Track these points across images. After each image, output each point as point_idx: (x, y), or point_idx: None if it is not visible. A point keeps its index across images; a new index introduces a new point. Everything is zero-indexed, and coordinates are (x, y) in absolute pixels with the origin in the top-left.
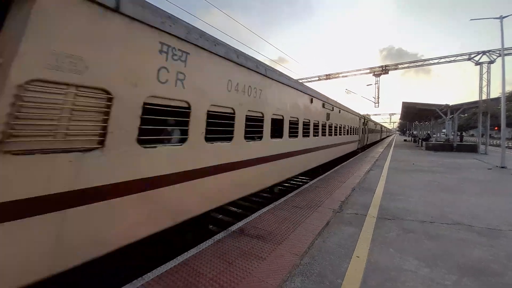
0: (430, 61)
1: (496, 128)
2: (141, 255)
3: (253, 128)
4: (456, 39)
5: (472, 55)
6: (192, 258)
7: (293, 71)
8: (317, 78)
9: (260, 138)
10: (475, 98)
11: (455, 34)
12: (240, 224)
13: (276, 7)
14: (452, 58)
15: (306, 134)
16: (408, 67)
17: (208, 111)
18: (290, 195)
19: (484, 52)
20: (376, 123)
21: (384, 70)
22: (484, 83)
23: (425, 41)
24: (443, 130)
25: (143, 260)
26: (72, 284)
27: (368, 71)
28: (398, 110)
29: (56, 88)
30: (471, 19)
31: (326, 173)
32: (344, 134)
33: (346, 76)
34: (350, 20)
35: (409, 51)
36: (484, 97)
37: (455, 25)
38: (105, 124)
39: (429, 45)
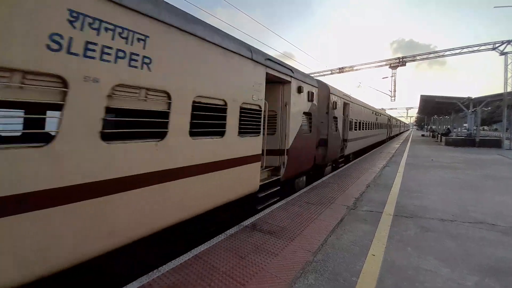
0: (452, 51)
1: None
2: (156, 249)
3: (359, 126)
4: (470, 29)
5: (497, 45)
6: (206, 252)
7: (303, 64)
8: (330, 72)
9: (359, 128)
10: (493, 91)
11: (468, 24)
12: (252, 219)
13: (279, 5)
14: (476, 48)
15: (369, 128)
16: (427, 58)
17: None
18: (302, 190)
19: (509, 42)
20: (396, 120)
21: (401, 61)
22: (509, 74)
23: (436, 32)
24: (465, 125)
25: (158, 254)
26: (92, 276)
27: (384, 63)
28: (415, 104)
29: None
30: (494, 7)
31: (339, 169)
32: (381, 128)
33: (359, 69)
34: (357, 14)
35: (420, 42)
36: (509, 89)
37: (467, 15)
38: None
39: (441, 36)
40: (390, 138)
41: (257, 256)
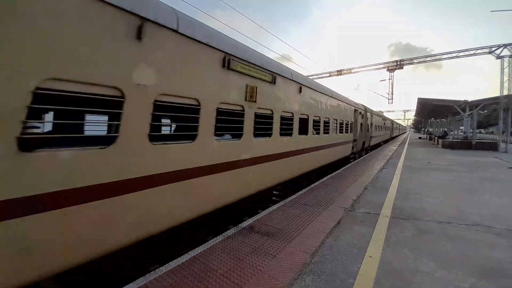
0: (448, 55)
1: None
2: (154, 251)
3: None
4: (467, 33)
5: (493, 49)
6: (203, 254)
7: (302, 66)
8: (328, 75)
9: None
10: (489, 94)
11: (465, 27)
12: (250, 221)
13: (277, 9)
14: (472, 52)
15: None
16: (424, 61)
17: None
18: (300, 192)
19: (505, 45)
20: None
21: (399, 65)
22: (506, 78)
23: (433, 35)
24: (461, 127)
25: (156, 256)
26: (88, 280)
27: (382, 66)
28: (412, 106)
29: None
30: (491, 11)
31: (337, 171)
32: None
33: (358, 72)
34: (355, 17)
35: (417, 46)
36: (505, 92)
37: (463, 19)
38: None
39: (438, 39)
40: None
41: (255, 258)
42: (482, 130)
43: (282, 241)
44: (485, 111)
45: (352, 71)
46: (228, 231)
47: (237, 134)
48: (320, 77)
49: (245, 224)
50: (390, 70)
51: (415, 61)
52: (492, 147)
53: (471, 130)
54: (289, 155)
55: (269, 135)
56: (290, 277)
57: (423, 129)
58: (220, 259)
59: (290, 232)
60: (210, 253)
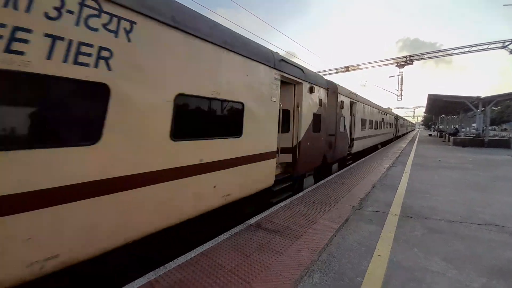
0: (460, 49)
1: None
2: (161, 248)
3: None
4: (476, 27)
5: (506, 43)
6: (211, 250)
7: (308, 63)
8: (335, 71)
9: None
10: (502, 90)
11: (474, 22)
12: (257, 218)
13: (281, 5)
14: (485, 46)
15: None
16: (435, 56)
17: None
18: (307, 190)
19: None
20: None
21: (409, 60)
22: None
23: (441, 30)
24: (473, 124)
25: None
26: (99, 274)
27: (391, 61)
28: (422, 103)
29: None
30: (504, 5)
31: (344, 169)
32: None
33: (365, 68)
34: (362, 13)
35: (426, 41)
36: None
37: (473, 13)
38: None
39: (447, 34)
40: (398, 137)
41: (262, 255)
42: (496, 128)
43: (289, 238)
44: (499, 107)
45: (360, 67)
46: (236, 227)
47: None
48: (327, 74)
49: (252, 221)
50: (400, 65)
51: (426, 56)
52: (505, 144)
53: (484, 127)
54: None
55: None
56: (297, 275)
57: (433, 126)
58: (228, 255)
59: (297, 229)
60: (218, 249)
